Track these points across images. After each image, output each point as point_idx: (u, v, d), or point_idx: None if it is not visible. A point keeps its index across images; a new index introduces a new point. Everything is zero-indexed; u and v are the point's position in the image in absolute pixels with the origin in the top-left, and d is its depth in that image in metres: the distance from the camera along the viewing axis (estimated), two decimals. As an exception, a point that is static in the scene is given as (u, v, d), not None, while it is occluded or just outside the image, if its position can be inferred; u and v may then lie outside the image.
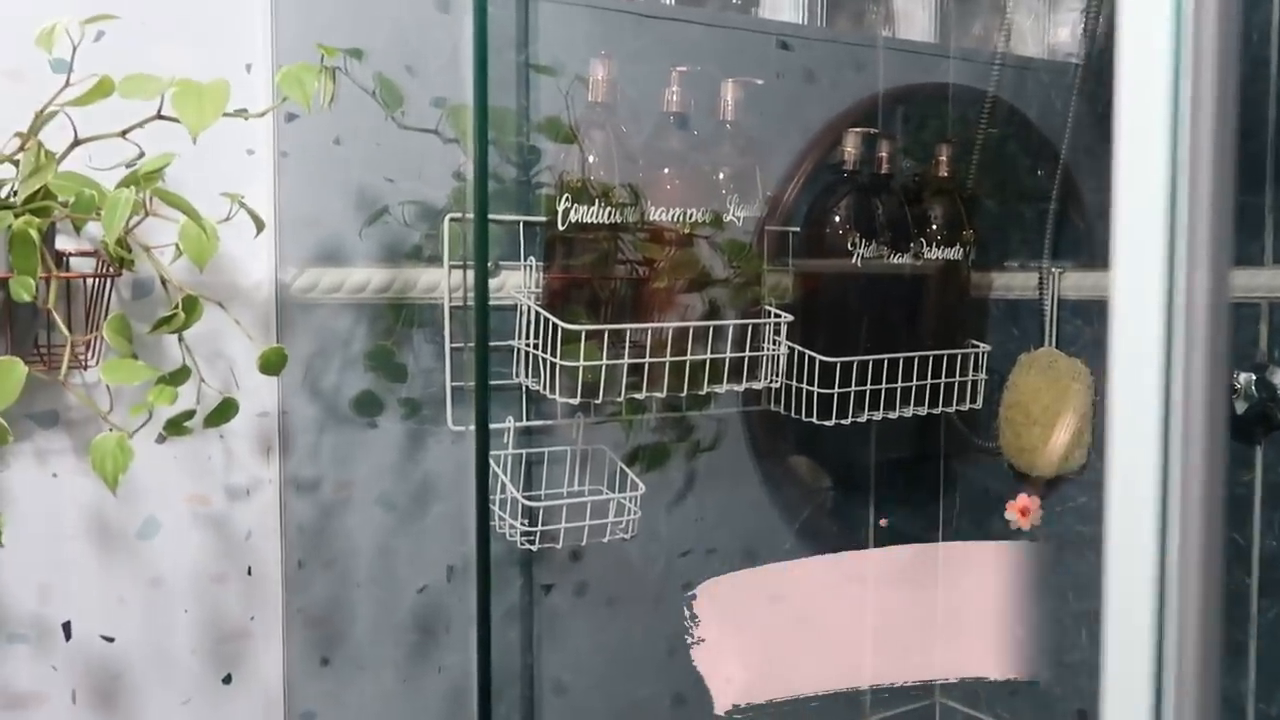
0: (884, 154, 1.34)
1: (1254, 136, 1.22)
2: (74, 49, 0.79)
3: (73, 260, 0.92)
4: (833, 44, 1.40)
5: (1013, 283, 1.49)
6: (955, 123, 1.51)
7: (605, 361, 1.09)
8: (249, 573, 1.06)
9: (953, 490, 1.58)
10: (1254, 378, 1.19)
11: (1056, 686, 1.46)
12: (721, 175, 1.20)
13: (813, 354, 1.26)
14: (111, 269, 0.88)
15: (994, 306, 1.51)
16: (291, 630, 1.08)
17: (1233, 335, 1.26)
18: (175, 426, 0.90)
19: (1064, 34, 1.49)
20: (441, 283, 1.14)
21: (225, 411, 0.93)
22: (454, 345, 1.15)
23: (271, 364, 0.88)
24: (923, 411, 1.36)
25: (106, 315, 0.90)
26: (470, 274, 1.15)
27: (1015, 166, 1.49)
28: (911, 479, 1.57)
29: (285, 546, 1.07)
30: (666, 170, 1.16)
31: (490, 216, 1.16)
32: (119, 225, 0.72)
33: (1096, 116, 1.39)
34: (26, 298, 0.75)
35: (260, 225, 0.90)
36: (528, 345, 1.15)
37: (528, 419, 1.20)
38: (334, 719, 1.11)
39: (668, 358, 1.14)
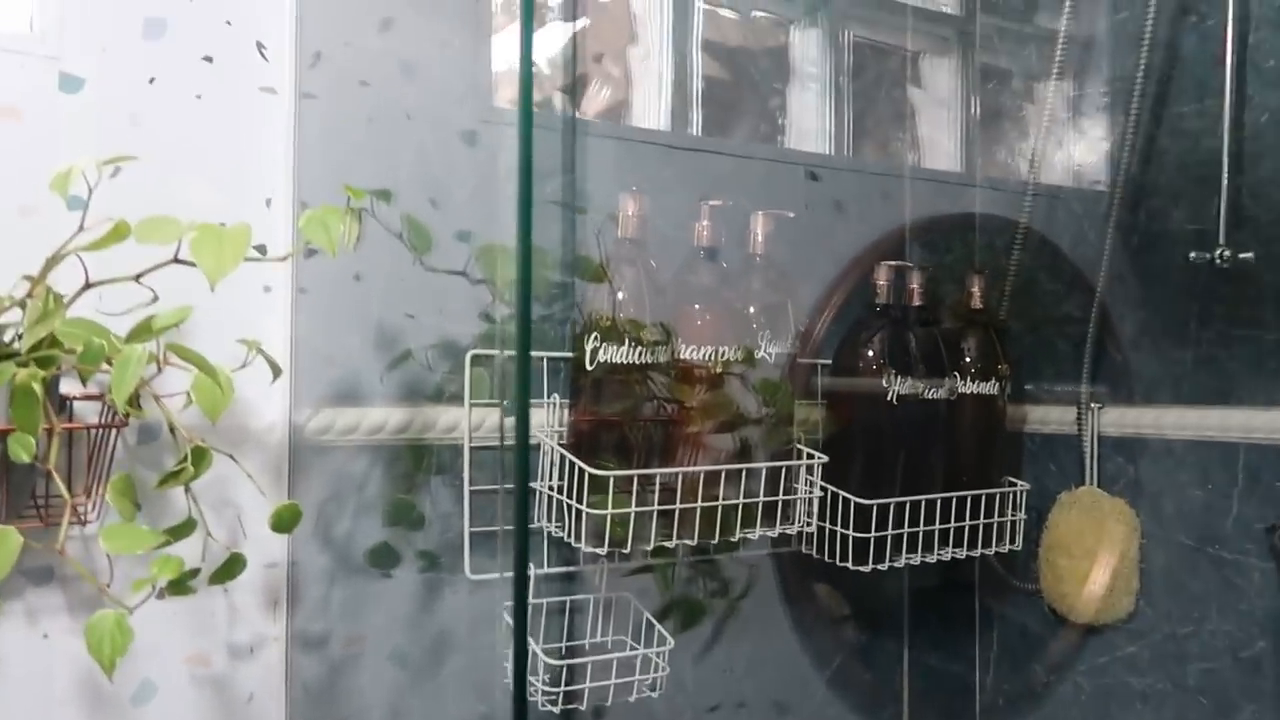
0: (914, 286, 1.30)
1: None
2: (90, 191, 0.75)
3: (76, 405, 0.87)
4: (860, 174, 1.38)
5: (1048, 417, 1.44)
6: (983, 251, 1.48)
7: (634, 509, 1.03)
8: (249, 739, 0.98)
9: (989, 632, 1.51)
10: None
11: None
12: (752, 310, 1.16)
13: (848, 495, 1.20)
14: (118, 419, 0.83)
15: (1029, 441, 1.46)
16: (292, 804, 1.00)
17: (1273, 477, 1.21)
18: (178, 587, 0.83)
19: (1091, 161, 1.47)
20: (462, 422, 1.08)
21: (232, 569, 0.86)
22: (473, 488, 1.09)
23: (284, 522, 0.82)
24: (961, 554, 1.30)
25: (110, 464, 0.84)
26: (492, 414, 1.10)
27: (1048, 298, 1.45)
28: (946, 622, 1.50)
29: (290, 709, 0.99)
30: (697, 306, 1.12)
31: (510, 352, 1.11)
32: (131, 385, 0.67)
33: (1130, 247, 1.36)
34: (26, 458, 0.69)
35: (277, 371, 0.85)
36: (551, 489, 1.09)
37: (549, 565, 1.14)
38: None
39: (699, 503, 1.08)
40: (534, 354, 1.12)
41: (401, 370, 1.06)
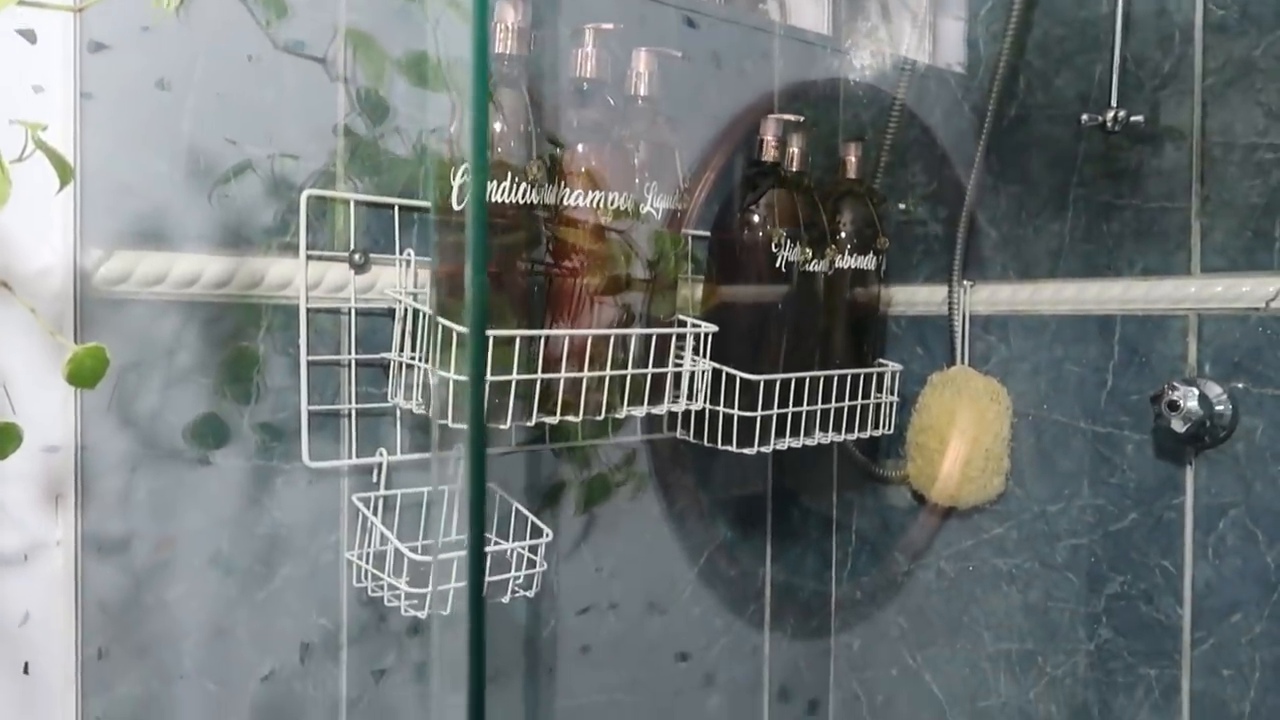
0: (797, 148, 1.19)
1: (1177, 139, 1.16)
2: None
3: None
4: (736, 25, 1.25)
5: (916, 298, 1.38)
6: (852, 125, 1.40)
7: (516, 377, 0.87)
8: (25, 671, 0.76)
9: (848, 523, 1.45)
10: (1196, 393, 1.12)
11: (971, 736, 1.34)
12: (638, 160, 1.01)
13: (734, 372, 1.09)
14: None
15: (895, 325, 1.40)
16: (88, 747, 0.79)
17: (1155, 348, 1.20)
18: (-76, 466, 0.61)
19: (964, 32, 1.40)
20: (297, 278, 0.88)
21: (2, 444, 0.64)
22: (312, 358, 0.90)
23: (86, 371, 0.60)
24: (839, 437, 1.22)
25: None
26: (335, 269, 0.90)
27: (920, 172, 1.38)
28: (807, 514, 1.43)
29: (81, 632, 0.78)
30: (581, 147, 0.96)
31: (360, 198, 0.92)
32: None
33: (1007, 119, 1.31)
34: None
35: (66, 174, 0.63)
36: (406, 356, 0.91)
37: (402, 452, 0.96)
38: None
39: (586, 373, 0.93)
40: (380, 199, 0.93)
41: (220, 206, 0.84)
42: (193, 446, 0.83)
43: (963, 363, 1.33)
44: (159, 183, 0.81)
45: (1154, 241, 1.19)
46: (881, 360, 1.31)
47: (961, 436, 1.29)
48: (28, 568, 0.76)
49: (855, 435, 1.24)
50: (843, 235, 1.25)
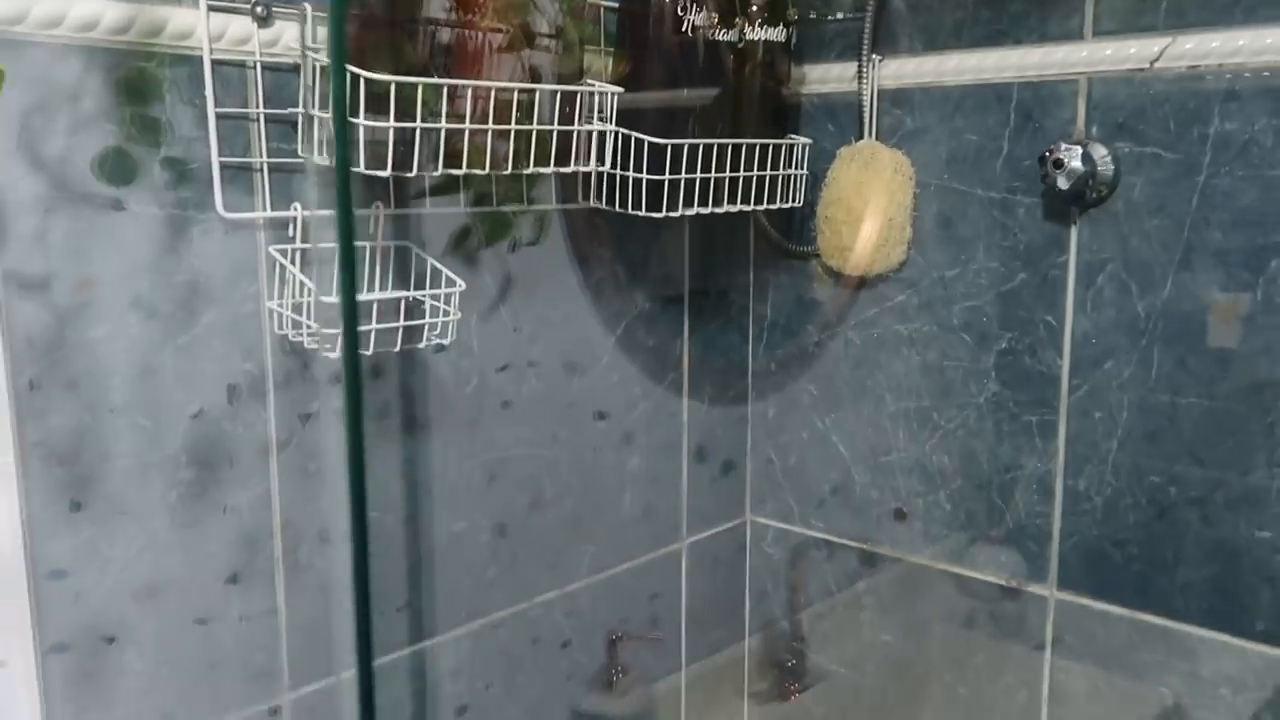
0: (704, -86, 1.19)
1: (1082, -98, 1.18)
2: None
3: None
4: None
5: (828, 75, 1.41)
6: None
7: (420, 125, 0.90)
8: (-39, 398, 0.81)
9: (763, 297, 1.52)
10: (1081, 150, 1.18)
11: (873, 488, 1.45)
12: (538, -89, 1.02)
13: (642, 135, 1.12)
14: None
15: (808, 103, 1.43)
16: (27, 468, 0.85)
17: (1048, 113, 1.25)
18: None
19: None
20: (199, 28, 0.89)
21: (-90, 166, 0.67)
22: (220, 110, 0.92)
23: (-18, 82, 0.63)
24: (748, 207, 1.27)
25: None
26: (237, 21, 0.91)
27: (831, -56, 1.39)
28: (722, 289, 1.49)
29: (10, 363, 0.83)
30: (478, -106, 0.96)
31: (256, -53, 0.92)
32: None
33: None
34: None
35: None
36: (314, 109, 0.94)
37: (316, 208, 0.99)
38: (92, 576, 0.89)
39: (489, 125, 0.96)
40: (281, -48, 0.93)
41: (114, -51, 0.85)
42: (101, 182, 0.85)
43: (871, 136, 1.37)
44: (48, -78, 0.81)
45: (1052, 7, 1.23)
46: (792, 135, 1.35)
47: (868, 208, 1.35)
48: (-48, 301, 0.80)
49: (765, 206, 1.29)
50: (754, 8, 1.26)
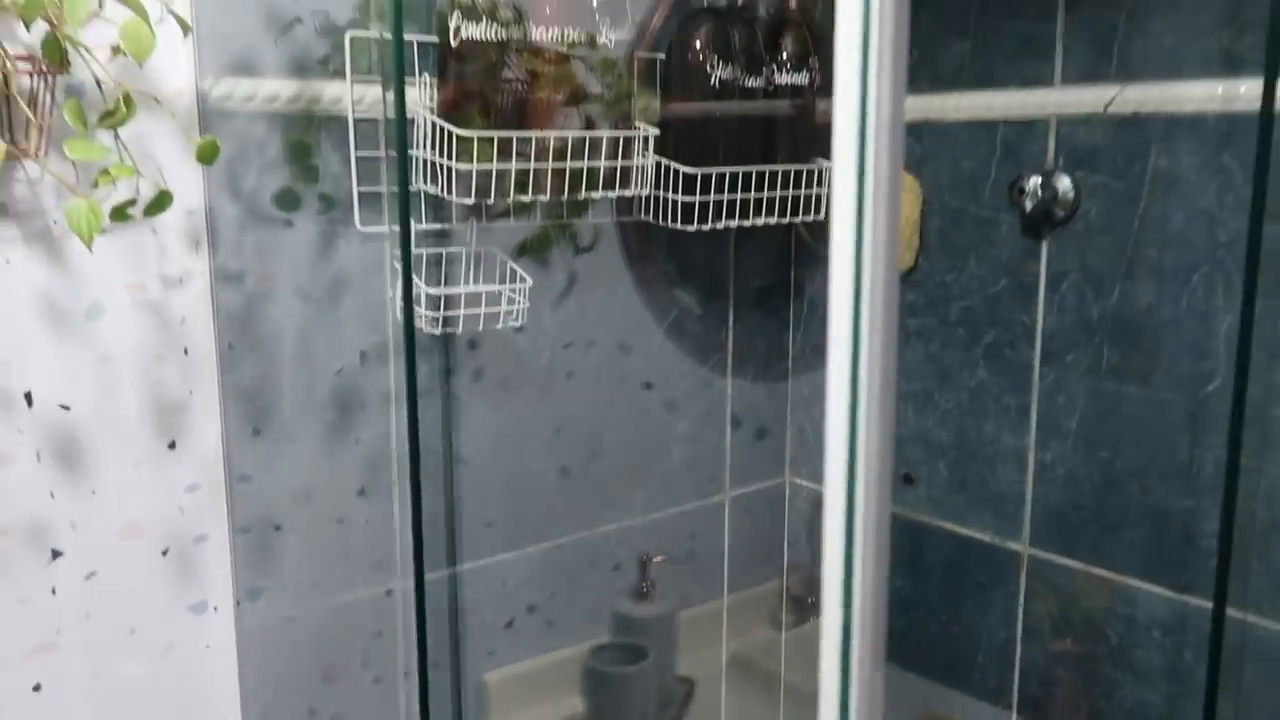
0: (741, -13, 1.50)
1: (1050, -27, 1.43)
2: None
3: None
4: (695, -117, 1.53)
5: (853, 108, 1.68)
6: (805, -39, 1.67)
7: (495, 165, 1.25)
8: (185, 353, 1.20)
9: (801, 296, 1.81)
10: (1039, 180, 1.43)
11: (884, 455, 1.73)
12: (595, 1, 1.34)
13: (676, 165, 1.43)
14: (52, 69, 0.99)
15: (837, 130, 1.71)
16: (226, 404, 1.24)
17: (1026, 146, 1.49)
18: (119, 213, 1.02)
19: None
20: (345, 96, 1.26)
21: (162, 202, 1.05)
22: (359, 154, 1.28)
23: (206, 153, 1.00)
24: (774, 221, 1.56)
25: (50, 112, 1.01)
26: (372, 89, 1.28)
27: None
28: (765, 287, 1.79)
29: (217, 330, 1.22)
30: (546, -6, 1.30)
31: (387, 36, 1.28)
32: (82, 17, 0.84)
33: (926, -44, 1.57)
34: (-10, 85, 0.86)
35: (186, 29, 1.01)
36: (425, 153, 1.29)
37: (427, 222, 1.35)
38: (267, 481, 1.28)
39: (550, 164, 1.30)
40: (406, 37, 1.29)
41: (290, 46, 1.22)
42: (279, 211, 1.24)
43: (885, 162, 1.64)
44: (249, 30, 1.19)
45: (1029, 58, 1.48)
46: (818, 158, 1.64)
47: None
48: (183, 288, 1.19)
49: (789, 220, 1.59)
50: (783, 56, 1.56)
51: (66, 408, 1.13)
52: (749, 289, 1.76)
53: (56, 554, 1.15)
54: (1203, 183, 1.32)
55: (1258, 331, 1.26)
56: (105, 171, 0.95)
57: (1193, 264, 1.34)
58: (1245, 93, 1.27)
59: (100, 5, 0.89)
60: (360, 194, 1.29)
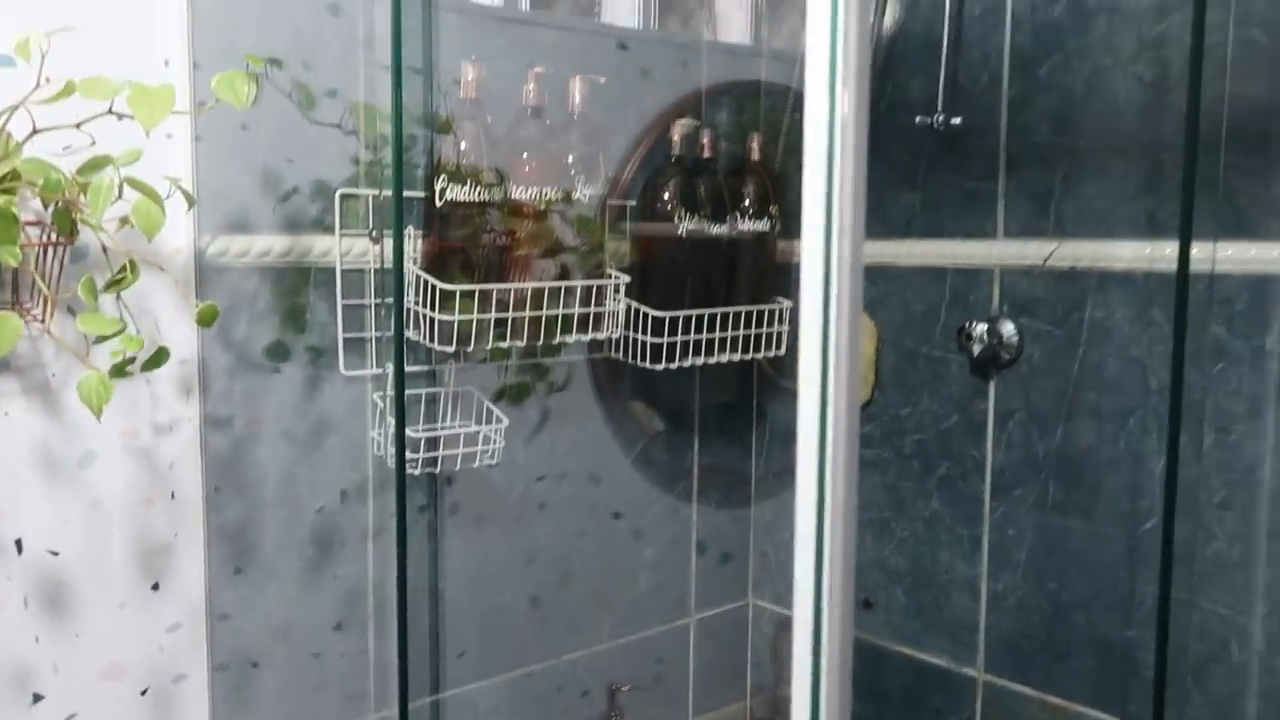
0: (706, 141, 1.60)
1: (990, 135, 1.54)
2: (43, 56, 0.95)
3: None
4: (664, 45, 1.65)
5: (811, 250, 1.78)
6: (766, 113, 1.79)
7: (476, 316, 1.32)
8: (172, 497, 1.24)
9: (763, 423, 1.89)
10: (985, 327, 1.52)
11: (844, 581, 1.79)
12: (570, 159, 1.43)
13: (645, 309, 1.52)
14: (62, 238, 1.05)
15: (796, 270, 1.81)
16: (210, 545, 1.27)
17: (973, 292, 1.59)
18: (119, 371, 1.07)
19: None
20: (334, 249, 1.33)
21: (159, 358, 1.11)
22: (345, 302, 1.35)
23: (207, 318, 1.06)
24: (738, 358, 1.65)
25: (60, 277, 1.06)
26: (359, 242, 1.35)
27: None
28: (730, 418, 1.87)
29: (205, 473, 1.26)
30: (525, 155, 1.38)
31: (377, 192, 1.36)
32: (104, 205, 0.90)
33: (879, 111, 1.69)
34: (13, 263, 0.92)
35: (192, 202, 1.08)
36: (410, 302, 1.36)
37: (409, 365, 1.41)
38: (247, 620, 1.31)
39: (527, 313, 1.37)
40: (387, 194, 1.37)
41: (284, 205, 1.29)
42: (268, 361, 1.29)
43: (842, 301, 1.74)
44: (244, 191, 1.26)
45: (974, 212, 1.59)
46: (779, 298, 1.73)
47: (837, 357, 1.71)
48: (173, 434, 1.24)
49: (751, 356, 1.67)
50: (746, 204, 1.66)
51: (56, 553, 1.16)
52: (713, 417, 1.83)
53: (38, 698, 1.17)
54: (1135, 333, 1.42)
55: (1187, 473, 1.36)
56: (103, 336, 1.00)
57: (1128, 408, 1.44)
58: (1169, 254, 1.38)
59: (119, 194, 0.96)
60: (345, 339, 1.35)
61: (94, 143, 1.01)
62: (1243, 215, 1.32)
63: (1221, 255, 1.33)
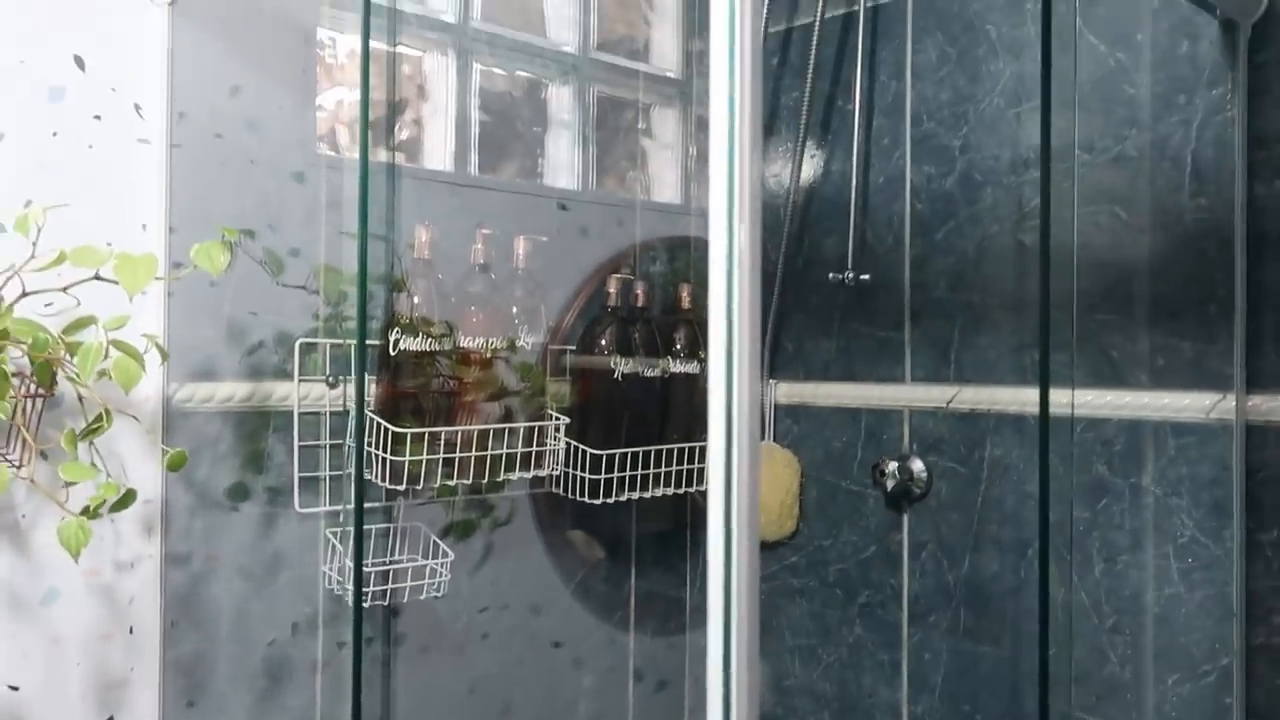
0: (640, 291, 1.74)
1: (896, 291, 1.71)
2: (39, 229, 1.06)
3: None
4: (601, 205, 1.81)
5: (739, 390, 1.92)
6: (695, 264, 1.95)
7: (426, 456, 1.42)
8: (131, 631, 1.30)
9: (698, 554, 1.98)
10: (897, 464, 1.66)
11: (779, 707, 1.86)
12: (515, 310, 1.56)
13: (584, 447, 1.63)
14: (42, 390, 1.14)
15: (726, 408, 1.94)
16: (165, 679, 1.33)
17: (885, 431, 1.73)
18: (90, 513, 1.15)
19: (774, 199, 1.95)
20: (292, 395, 1.43)
21: (126, 500, 1.19)
22: (301, 443, 1.44)
23: (176, 464, 1.15)
24: (671, 492, 1.75)
25: (38, 425, 1.15)
26: (316, 387, 1.45)
27: (739, 302, 1.93)
28: (665, 548, 1.96)
29: (163, 609, 1.32)
30: (473, 307, 1.51)
31: (336, 341, 1.47)
32: (93, 367, 1.00)
33: (797, 266, 1.85)
34: (3, 418, 1.00)
35: (166, 356, 1.18)
36: (364, 444, 1.46)
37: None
38: (196, 752, 1.36)
39: (473, 453, 1.47)
40: (348, 342, 1.48)
41: (250, 357, 1.40)
42: (228, 501, 1.38)
43: (770, 438, 1.86)
44: (210, 343, 1.36)
45: (884, 359, 1.74)
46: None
47: (768, 492, 1.82)
48: (134, 571, 1.30)
49: (684, 490, 1.78)
50: (677, 348, 1.79)
51: (15, 688, 1.21)
52: (649, 548, 1.92)
53: (-11, 833, 1.20)
54: (1029, 471, 1.56)
55: (1079, 600, 1.48)
56: (75, 479, 1.09)
57: (1026, 540, 1.57)
58: (1054, 399, 1.53)
59: (105, 356, 1.06)
60: (301, 479, 1.44)
61: (79, 304, 1.11)
62: (1116, 366, 1.48)
63: (1100, 401, 1.48)
